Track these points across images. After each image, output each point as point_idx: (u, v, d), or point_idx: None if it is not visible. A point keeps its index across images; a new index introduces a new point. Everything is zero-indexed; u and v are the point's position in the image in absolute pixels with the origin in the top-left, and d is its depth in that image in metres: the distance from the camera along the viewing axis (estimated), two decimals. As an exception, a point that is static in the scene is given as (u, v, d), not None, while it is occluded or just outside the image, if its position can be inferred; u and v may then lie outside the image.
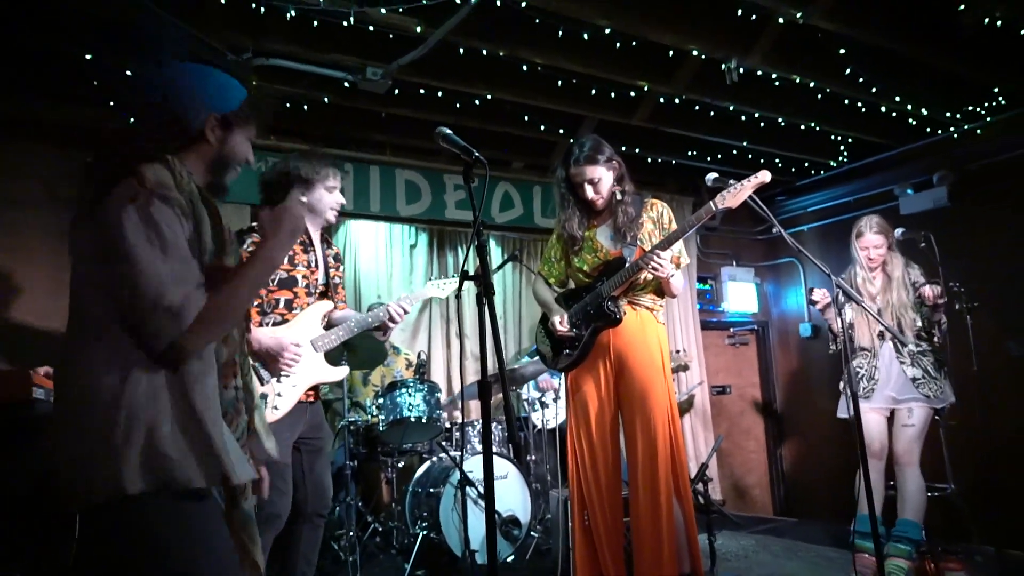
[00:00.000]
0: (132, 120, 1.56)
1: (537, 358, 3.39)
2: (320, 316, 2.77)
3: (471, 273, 1.80)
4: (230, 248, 1.54)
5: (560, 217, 2.95)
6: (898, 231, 3.61)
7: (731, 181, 2.64)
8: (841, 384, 3.68)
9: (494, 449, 4.04)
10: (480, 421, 4.30)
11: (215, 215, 1.51)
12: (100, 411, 1.32)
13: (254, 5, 3.31)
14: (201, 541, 1.37)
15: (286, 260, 2.66)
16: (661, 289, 2.86)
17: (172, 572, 1.33)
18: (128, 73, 3.55)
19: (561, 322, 2.84)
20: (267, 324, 2.64)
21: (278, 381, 2.59)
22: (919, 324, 3.50)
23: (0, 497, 2.55)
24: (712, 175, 2.70)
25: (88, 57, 3.51)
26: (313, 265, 2.76)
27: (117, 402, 1.31)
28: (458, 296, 1.84)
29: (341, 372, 2.84)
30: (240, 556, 1.45)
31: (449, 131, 1.88)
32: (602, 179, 2.82)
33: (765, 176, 2.61)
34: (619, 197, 2.86)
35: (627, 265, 2.74)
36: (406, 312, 2.88)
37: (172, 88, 1.55)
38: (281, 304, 2.67)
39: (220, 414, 1.44)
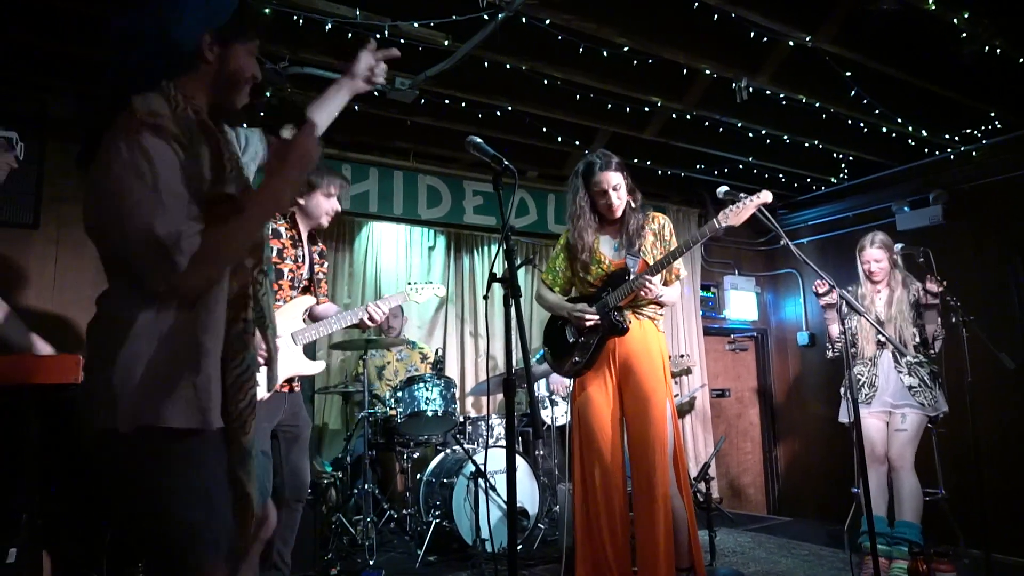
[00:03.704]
0: (123, 50, 1.42)
1: (542, 358, 3.54)
2: (302, 310, 2.89)
3: (499, 276, 1.89)
4: (230, 176, 1.42)
5: (577, 225, 3.01)
6: (897, 246, 3.74)
7: (741, 195, 2.74)
8: (842, 390, 3.81)
9: (502, 444, 4.22)
10: (493, 415, 4.50)
11: (216, 141, 1.41)
12: (110, 347, 1.31)
13: (295, 17, 3.50)
14: (189, 479, 1.34)
15: (275, 253, 2.76)
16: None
17: (159, 509, 1.33)
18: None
19: (585, 310, 2.92)
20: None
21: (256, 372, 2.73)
22: (919, 339, 3.66)
23: (48, 471, 2.72)
24: (723, 188, 2.80)
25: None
26: (300, 260, 2.88)
27: (124, 339, 1.30)
28: (486, 297, 1.97)
29: (318, 366, 2.95)
30: (232, 490, 1.40)
31: (480, 140, 1.98)
32: (621, 185, 2.95)
33: (767, 196, 2.71)
34: (633, 206, 3.00)
35: (629, 279, 2.87)
36: (384, 314, 3.00)
37: (159, 10, 1.42)
38: None
39: (221, 351, 1.40)
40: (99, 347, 1.35)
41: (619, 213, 2.99)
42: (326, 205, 2.88)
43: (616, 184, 2.93)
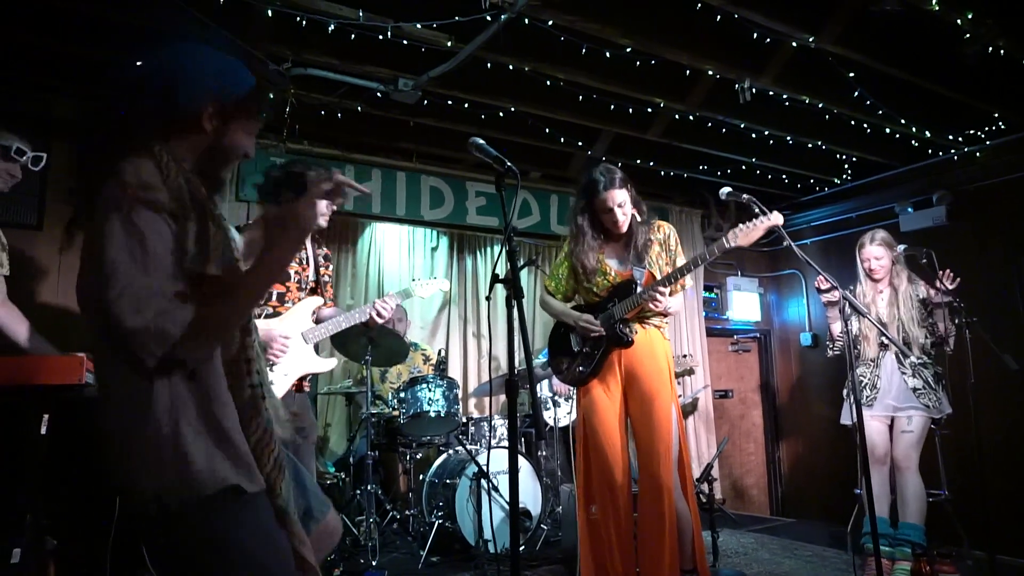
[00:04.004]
0: (123, 99, 1.40)
1: (547, 362, 3.55)
2: (311, 310, 2.93)
3: (501, 277, 1.89)
4: (214, 252, 1.35)
5: (575, 250, 3.00)
6: (900, 247, 3.73)
7: (744, 196, 2.73)
8: (844, 391, 3.80)
9: (505, 444, 4.23)
10: (496, 416, 4.50)
11: (203, 213, 1.36)
12: (133, 419, 1.28)
13: (298, 19, 3.51)
14: (261, 538, 1.33)
15: None
16: None
17: (239, 567, 1.31)
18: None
19: (591, 322, 2.93)
20: (259, 316, 2.78)
21: (270, 370, 2.74)
22: (923, 340, 3.65)
23: (53, 472, 2.74)
24: (725, 189, 2.79)
25: (139, 64, 3.72)
26: (304, 262, 2.93)
27: (146, 411, 1.27)
28: (488, 298, 1.97)
29: (329, 363, 2.99)
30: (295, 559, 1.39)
31: (483, 141, 1.97)
32: (626, 202, 2.93)
33: (777, 219, 2.69)
34: (639, 219, 2.99)
35: (637, 291, 2.87)
36: (391, 309, 3.03)
37: (168, 69, 1.39)
38: (274, 297, 2.84)
39: (237, 419, 1.38)
40: (121, 418, 1.31)
41: (624, 229, 2.98)
42: (321, 205, 2.90)
43: (621, 202, 2.92)
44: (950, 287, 3.50)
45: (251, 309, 1.41)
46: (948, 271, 3.53)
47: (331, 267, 3.14)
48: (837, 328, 3.89)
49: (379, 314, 2.98)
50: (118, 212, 1.25)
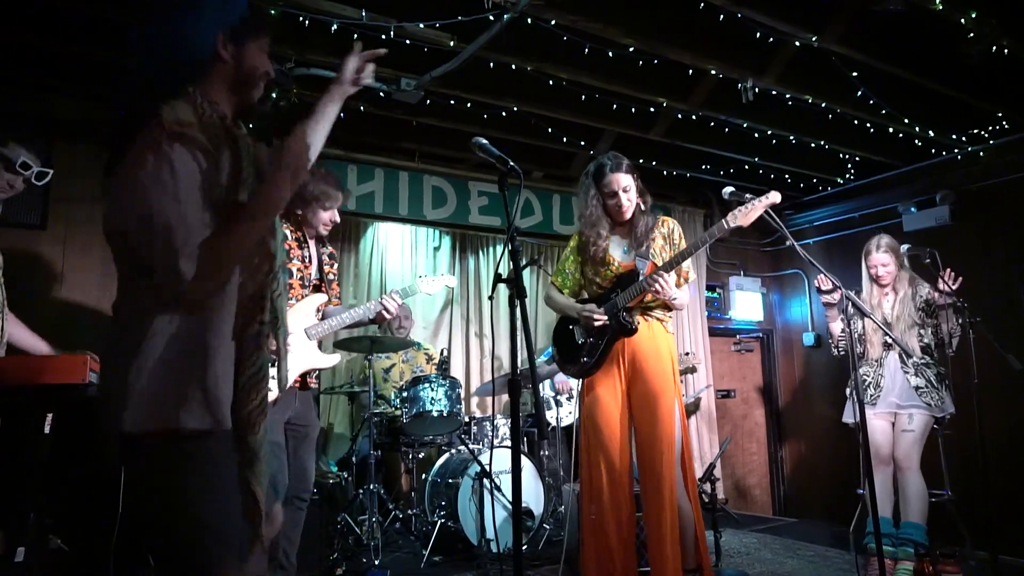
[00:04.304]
0: (144, 56, 1.48)
1: (551, 359, 3.55)
2: (314, 307, 2.94)
3: (504, 277, 1.89)
4: (245, 183, 1.46)
5: (590, 224, 3.01)
6: (903, 247, 3.73)
7: (747, 196, 2.74)
8: (847, 391, 3.80)
9: (507, 444, 4.23)
10: (498, 416, 4.51)
11: (237, 148, 1.46)
12: (125, 352, 1.35)
13: (301, 18, 3.51)
14: (202, 479, 1.36)
15: None
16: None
17: (174, 508, 1.35)
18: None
19: (594, 311, 2.92)
20: None
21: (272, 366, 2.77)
22: (926, 340, 3.66)
23: (57, 471, 2.75)
24: (728, 189, 2.80)
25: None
26: (307, 260, 2.95)
27: (139, 343, 1.34)
28: (491, 298, 1.97)
29: (332, 359, 3.01)
30: (241, 491, 1.44)
31: (485, 141, 1.97)
32: (631, 187, 2.95)
33: (775, 197, 2.71)
34: (643, 208, 3.00)
35: (639, 280, 2.87)
36: (398, 305, 3.04)
37: (173, 16, 1.48)
38: None
39: (232, 353, 1.43)
40: (115, 352, 1.40)
41: (628, 215, 2.99)
42: (324, 216, 2.97)
43: (626, 186, 2.94)
44: (953, 287, 3.50)
45: (254, 238, 1.45)
46: (950, 270, 3.53)
47: (335, 265, 3.16)
48: (837, 328, 3.90)
49: (387, 310, 3.00)
50: (154, 146, 1.33)
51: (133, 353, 1.34)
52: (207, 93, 1.47)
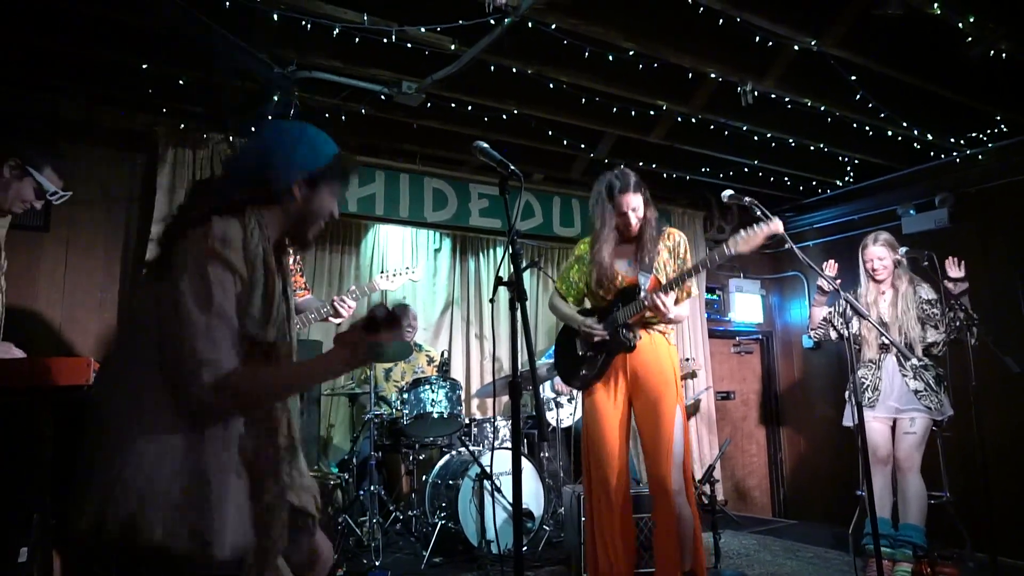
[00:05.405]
0: (227, 174, 1.57)
1: (552, 360, 3.56)
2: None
3: (505, 280, 1.90)
4: (274, 320, 1.48)
5: (596, 245, 3.02)
6: (902, 250, 3.74)
7: (747, 198, 2.75)
8: (846, 393, 3.82)
9: (507, 445, 4.24)
10: (498, 417, 4.51)
11: (272, 282, 1.48)
12: (115, 467, 1.32)
13: (303, 22, 3.53)
14: None
15: None
16: None
17: None
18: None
19: (593, 327, 2.95)
20: None
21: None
22: (928, 339, 3.66)
23: (60, 472, 2.76)
24: (728, 192, 2.82)
25: (144, 67, 3.76)
26: (299, 269, 3.03)
27: (133, 459, 1.32)
28: (492, 300, 1.97)
29: None
30: None
31: (486, 145, 1.97)
32: (640, 206, 2.96)
33: (778, 226, 2.69)
34: (651, 222, 3.00)
35: (640, 296, 2.88)
36: (350, 306, 3.09)
37: (264, 145, 1.54)
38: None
39: (236, 478, 1.39)
40: (106, 465, 1.34)
41: (636, 232, 3.01)
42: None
43: (635, 206, 2.95)
44: (961, 274, 3.52)
45: (291, 393, 1.51)
46: (953, 258, 3.54)
47: (299, 256, 3.23)
48: (819, 314, 3.92)
49: (337, 313, 3.08)
50: (196, 260, 1.37)
51: (127, 456, 1.32)
52: (263, 218, 1.49)
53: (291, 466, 1.52)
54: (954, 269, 3.60)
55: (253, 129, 1.59)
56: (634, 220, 2.96)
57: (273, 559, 1.43)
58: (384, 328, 1.42)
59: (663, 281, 2.92)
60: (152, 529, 1.30)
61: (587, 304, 3.16)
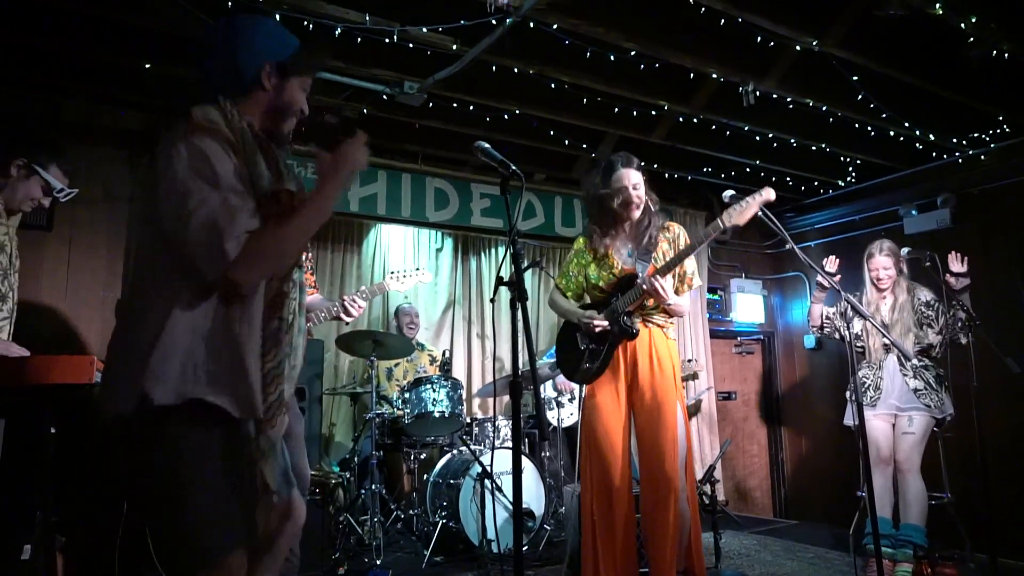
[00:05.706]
0: (196, 66, 1.59)
1: (553, 360, 3.57)
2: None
3: (506, 279, 1.88)
4: (288, 177, 1.55)
5: (596, 231, 3.03)
6: (903, 250, 3.75)
7: (741, 198, 2.74)
8: (847, 393, 3.81)
9: (508, 445, 4.25)
10: (499, 417, 4.52)
11: (271, 150, 1.54)
12: (144, 339, 1.37)
13: (305, 23, 3.53)
14: (210, 467, 1.38)
15: None
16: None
17: (177, 495, 1.36)
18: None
19: (594, 317, 2.94)
20: None
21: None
22: (928, 341, 3.67)
23: (63, 470, 2.77)
24: (729, 192, 2.81)
25: (147, 67, 3.77)
26: (308, 254, 2.99)
27: (159, 333, 1.36)
28: (493, 300, 1.99)
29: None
30: (255, 483, 1.46)
31: (488, 146, 1.97)
32: (641, 184, 2.96)
33: (770, 194, 2.70)
34: (653, 209, 2.99)
35: (637, 282, 2.87)
36: (361, 305, 3.07)
37: (228, 38, 1.58)
38: None
39: (259, 346, 1.46)
40: (130, 340, 1.41)
41: (637, 213, 2.98)
42: None
43: (636, 183, 2.95)
44: (964, 269, 3.52)
45: (304, 240, 1.53)
46: (957, 252, 3.55)
47: (310, 255, 3.16)
48: (818, 311, 3.94)
49: (347, 312, 3.05)
50: (185, 139, 1.40)
51: (153, 339, 1.36)
52: (239, 109, 1.54)
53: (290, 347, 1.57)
54: (956, 264, 3.61)
55: (213, 28, 1.64)
56: (635, 197, 2.94)
57: (276, 420, 1.49)
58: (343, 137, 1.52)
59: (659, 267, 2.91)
60: (197, 388, 1.37)
61: (587, 300, 3.16)
